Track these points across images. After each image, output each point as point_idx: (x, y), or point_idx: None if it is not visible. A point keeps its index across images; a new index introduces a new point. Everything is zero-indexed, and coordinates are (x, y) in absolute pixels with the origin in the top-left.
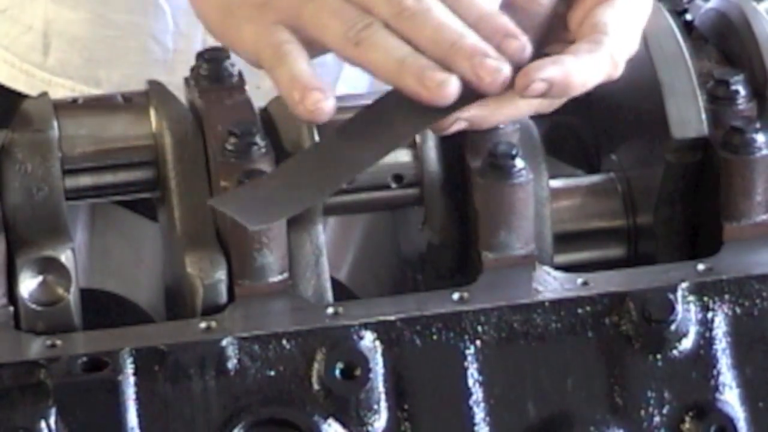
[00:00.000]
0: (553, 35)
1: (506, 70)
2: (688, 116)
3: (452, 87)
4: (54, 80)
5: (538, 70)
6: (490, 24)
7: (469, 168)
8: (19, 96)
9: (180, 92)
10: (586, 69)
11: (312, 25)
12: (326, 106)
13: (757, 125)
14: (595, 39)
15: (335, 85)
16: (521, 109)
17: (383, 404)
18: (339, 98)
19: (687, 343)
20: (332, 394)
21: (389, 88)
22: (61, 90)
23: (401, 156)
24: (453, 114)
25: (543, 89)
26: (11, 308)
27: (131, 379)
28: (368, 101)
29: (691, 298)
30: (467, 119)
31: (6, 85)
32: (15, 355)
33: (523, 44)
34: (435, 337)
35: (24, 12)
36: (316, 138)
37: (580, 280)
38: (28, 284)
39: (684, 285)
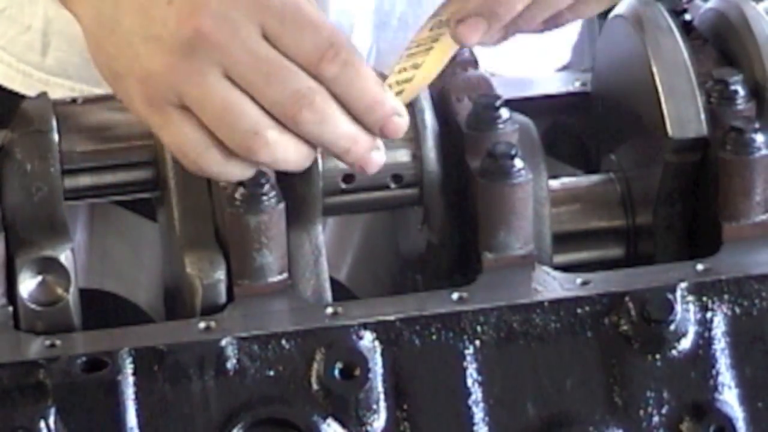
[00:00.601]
0: None
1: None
2: (687, 116)
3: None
4: (52, 80)
5: None
6: (378, 112)
7: (469, 168)
8: (16, 96)
9: None
10: None
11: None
12: None
13: (756, 125)
14: None
15: None
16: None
17: (382, 404)
18: None
19: (686, 343)
20: (331, 393)
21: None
22: (59, 90)
23: (400, 156)
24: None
25: None
26: (11, 308)
27: (130, 379)
28: None
29: (690, 298)
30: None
31: (3, 85)
32: (15, 355)
33: (406, 121)
34: (434, 337)
35: (23, 12)
36: None
37: (579, 280)
38: (27, 284)
39: (683, 285)
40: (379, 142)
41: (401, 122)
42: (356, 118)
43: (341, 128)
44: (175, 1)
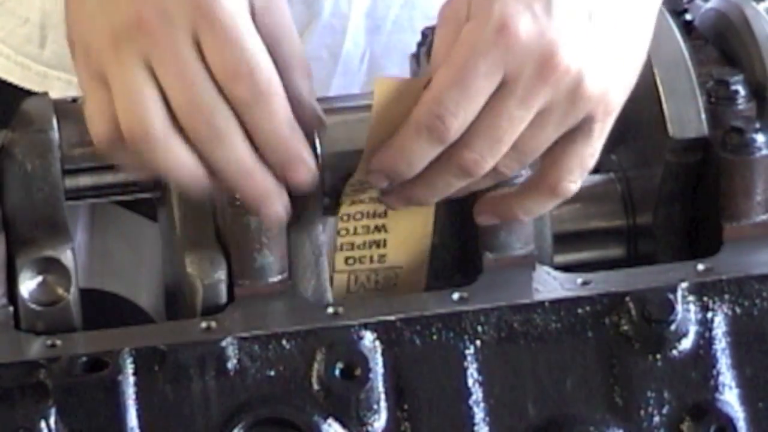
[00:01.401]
0: None
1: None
2: (687, 116)
3: None
4: (50, 73)
5: None
6: (282, 152)
7: None
8: (15, 89)
9: None
10: None
11: None
12: None
13: (757, 125)
14: None
15: (330, 83)
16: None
17: (383, 404)
18: (333, 99)
19: (687, 343)
20: (332, 393)
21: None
22: (57, 83)
23: None
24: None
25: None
26: (11, 308)
27: (131, 379)
28: (362, 102)
29: (690, 298)
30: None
31: (1, 77)
32: (15, 355)
33: (314, 175)
34: (435, 337)
35: (21, 4)
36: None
37: (579, 280)
38: (28, 284)
39: (684, 285)
40: (285, 199)
41: (306, 172)
42: (260, 154)
43: (235, 153)
44: None
